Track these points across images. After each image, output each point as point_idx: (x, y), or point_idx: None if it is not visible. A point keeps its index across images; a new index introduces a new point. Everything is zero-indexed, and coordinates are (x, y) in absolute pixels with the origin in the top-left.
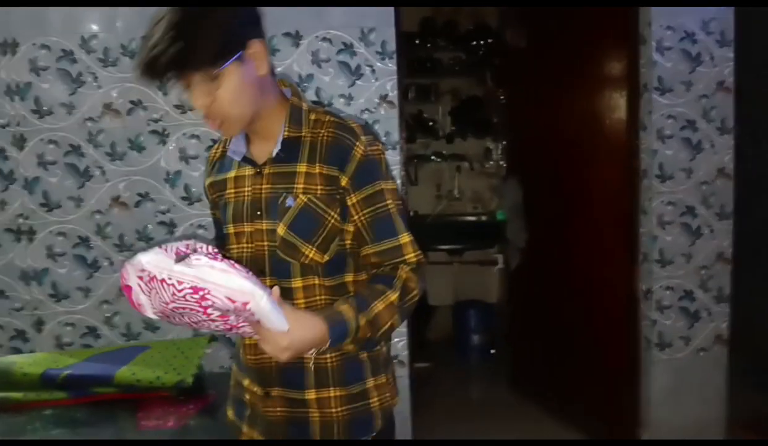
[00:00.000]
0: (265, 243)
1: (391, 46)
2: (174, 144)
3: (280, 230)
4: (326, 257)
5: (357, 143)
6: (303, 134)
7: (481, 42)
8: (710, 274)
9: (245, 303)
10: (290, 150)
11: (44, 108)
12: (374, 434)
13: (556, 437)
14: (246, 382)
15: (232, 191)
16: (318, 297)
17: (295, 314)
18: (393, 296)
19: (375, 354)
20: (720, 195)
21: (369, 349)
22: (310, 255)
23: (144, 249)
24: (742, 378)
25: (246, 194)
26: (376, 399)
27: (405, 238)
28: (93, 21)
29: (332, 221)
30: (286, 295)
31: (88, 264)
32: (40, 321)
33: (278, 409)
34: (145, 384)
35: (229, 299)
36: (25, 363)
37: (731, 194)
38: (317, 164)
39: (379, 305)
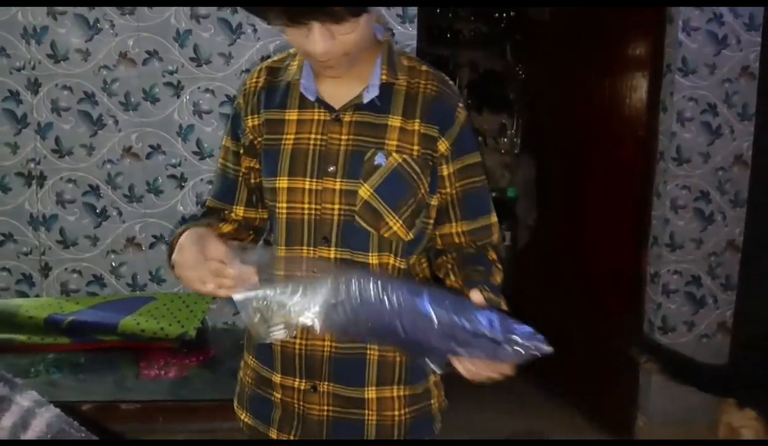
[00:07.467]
0: (337, 206)
1: (413, 10)
2: (188, 97)
3: (364, 192)
4: (410, 236)
5: (460, 104)
6: (399, 81)
7: (503, 15)
8: (719, 261)
9: None
10: (383, 99)
11: (60, 53)
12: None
13: (556, 418)
14: (277, 377)
15: (292, 136)
16: None
17: None
18: (498, 277)
19: None
20: (735, 182)
21: None
22: (394, 228)
23: (153, 202)
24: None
25: (313, 143)
26: (435, 398)
27: (494, 217)
28: None
29: (422, 191)
30: None
31: (97, 213)
32: (47, 267)
33: (326, 408)
34: (149, 335)
35: None
36: (31, 306)
37: (747, 181)
38: (416, 120)
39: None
